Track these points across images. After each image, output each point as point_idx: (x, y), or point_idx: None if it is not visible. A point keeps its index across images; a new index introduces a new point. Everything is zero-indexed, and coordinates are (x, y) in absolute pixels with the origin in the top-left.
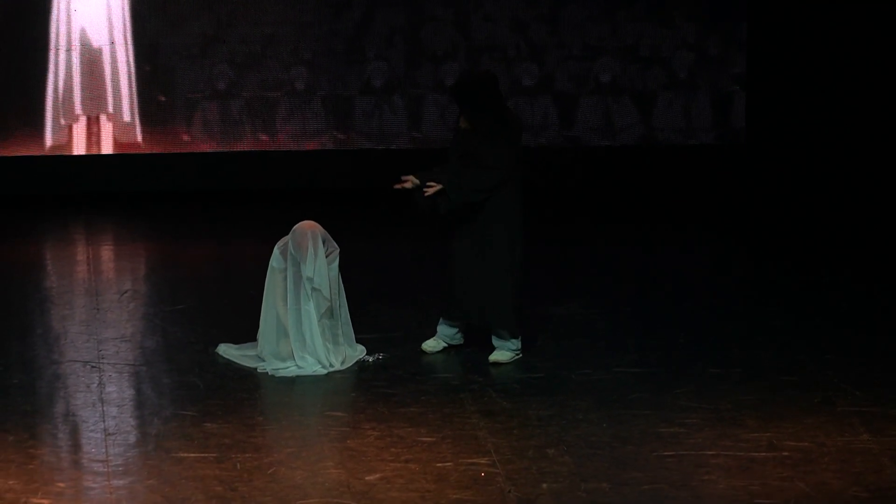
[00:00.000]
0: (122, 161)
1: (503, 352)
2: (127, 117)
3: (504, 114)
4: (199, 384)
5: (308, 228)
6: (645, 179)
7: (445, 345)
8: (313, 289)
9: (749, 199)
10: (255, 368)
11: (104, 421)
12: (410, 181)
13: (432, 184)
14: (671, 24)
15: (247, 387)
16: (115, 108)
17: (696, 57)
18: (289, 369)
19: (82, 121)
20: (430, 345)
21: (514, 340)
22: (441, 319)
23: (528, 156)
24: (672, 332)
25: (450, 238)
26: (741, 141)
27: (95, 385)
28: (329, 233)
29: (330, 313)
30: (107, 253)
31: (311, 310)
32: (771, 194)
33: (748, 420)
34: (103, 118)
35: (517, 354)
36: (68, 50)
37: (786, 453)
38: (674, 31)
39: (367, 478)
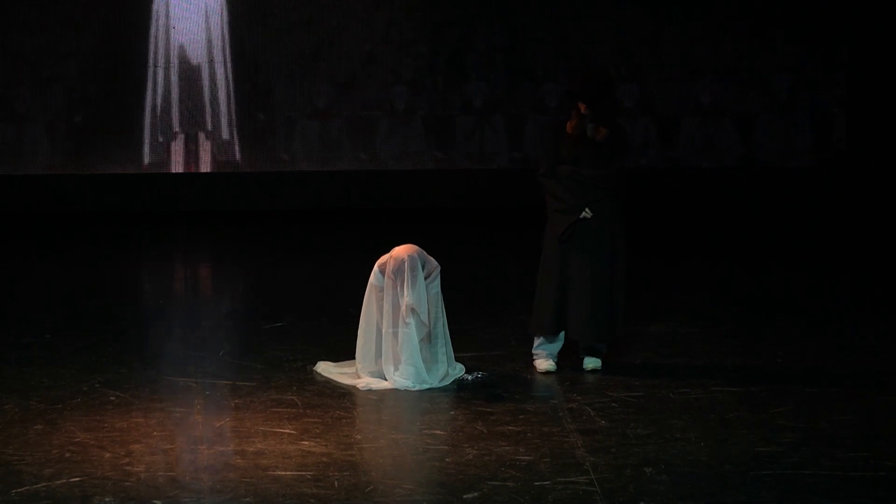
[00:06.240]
0: (220, 179)
1: (597, 359)
2: (225, 135)
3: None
4: (297, 402)
5: (405, 254)
6: (744, 200)
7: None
8: (412, 311)
9: (848, 220)
10: (354, 386)
11: (201, 439)
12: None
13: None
14: (771, 45)
15: (345, 405)
16: (213, 126)
17: (796, 79)
18: (386, 385)
19: (180, 138)
20: (547, 365)
21: (603, 346)
22: (543, 339)
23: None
24: (770, 351)
25: (559, 256)
26: (841, 163)
27: (192, 402)
28: (429, 252)
29: (429, 337)
30: (204, 270)
31: (410, 332)
32: (870, 216)
33: (846, 439)
34: (201, 136)
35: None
36: (167, 67)
37: (883, 473)
38: (774, 53)
39: (465, 496)
